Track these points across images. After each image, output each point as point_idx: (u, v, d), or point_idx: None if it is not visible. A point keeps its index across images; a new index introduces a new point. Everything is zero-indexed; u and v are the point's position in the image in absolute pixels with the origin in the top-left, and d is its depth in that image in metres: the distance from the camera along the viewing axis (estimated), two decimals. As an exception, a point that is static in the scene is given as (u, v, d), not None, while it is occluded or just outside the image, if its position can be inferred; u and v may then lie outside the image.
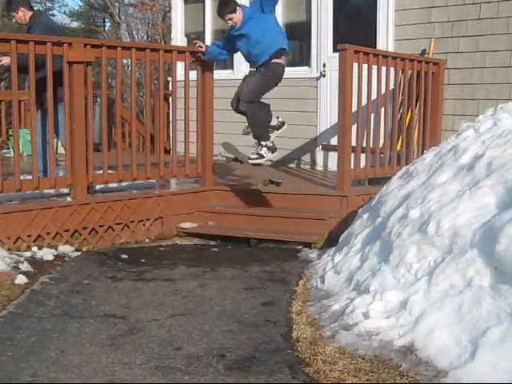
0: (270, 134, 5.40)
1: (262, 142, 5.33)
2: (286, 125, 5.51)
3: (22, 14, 5.77)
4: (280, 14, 7.92)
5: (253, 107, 5.23)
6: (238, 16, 5.24)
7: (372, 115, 5.99)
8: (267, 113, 5.39)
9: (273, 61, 5.22)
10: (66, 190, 5.30)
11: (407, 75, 6.30)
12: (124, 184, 5.69)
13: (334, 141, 6.98)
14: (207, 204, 5.93)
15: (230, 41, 5.51)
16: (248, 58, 5.49)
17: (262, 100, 5.34)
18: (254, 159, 5.34)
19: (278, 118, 5.47)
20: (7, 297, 3.82)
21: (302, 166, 7.83)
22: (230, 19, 5.26)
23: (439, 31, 6.77)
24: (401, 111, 6.58)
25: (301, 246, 5.33)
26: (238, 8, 5.25)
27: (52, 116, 5.06)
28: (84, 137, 5.13)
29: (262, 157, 5.32)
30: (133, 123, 5.98)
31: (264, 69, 5.25)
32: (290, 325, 3.47)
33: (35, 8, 6.56)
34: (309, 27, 7.62)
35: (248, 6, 5.67)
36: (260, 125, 5.35)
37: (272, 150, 5.38)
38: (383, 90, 6.03)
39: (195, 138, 6.01)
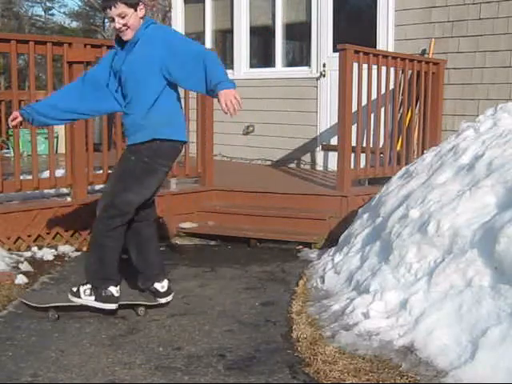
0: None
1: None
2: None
3: None
4: (280, 14, 7.96)
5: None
6: (135, 18, 3.30)
7: (372, 115, 5.98)
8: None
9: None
10: (65, 190, 5.30)
11: (407, 75, 6.29)
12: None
13: (334, 141, 6.98)
14: (207, 204, 5.93)
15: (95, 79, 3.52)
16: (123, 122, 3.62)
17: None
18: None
19: None
20: (7, 297, 3.83)
21: (302, 166, 7.83)
22: (121, 16, 3.27)
23: (439, 31, 6.77)
24: (401, 111, 6.57)
25: (301, 246, 5.33)
26: (141, 6, 3.32)
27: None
28: (84, 137, 5.13)
29: (76, 295, 3.56)
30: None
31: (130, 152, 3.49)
32: (290, 325, 3.47)
33: (35, 8, 6.56)
34: (309, 27, 7.61)
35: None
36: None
37: (98, 296, 3.53)
38: (383, 90, 6.03)
39: (195, 138, 6.01)
